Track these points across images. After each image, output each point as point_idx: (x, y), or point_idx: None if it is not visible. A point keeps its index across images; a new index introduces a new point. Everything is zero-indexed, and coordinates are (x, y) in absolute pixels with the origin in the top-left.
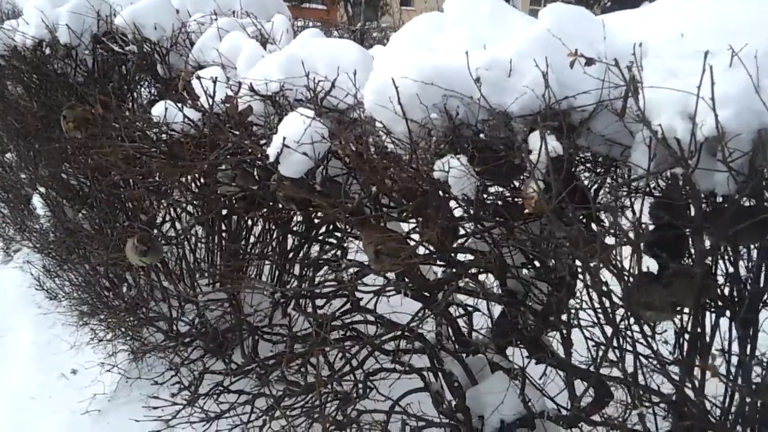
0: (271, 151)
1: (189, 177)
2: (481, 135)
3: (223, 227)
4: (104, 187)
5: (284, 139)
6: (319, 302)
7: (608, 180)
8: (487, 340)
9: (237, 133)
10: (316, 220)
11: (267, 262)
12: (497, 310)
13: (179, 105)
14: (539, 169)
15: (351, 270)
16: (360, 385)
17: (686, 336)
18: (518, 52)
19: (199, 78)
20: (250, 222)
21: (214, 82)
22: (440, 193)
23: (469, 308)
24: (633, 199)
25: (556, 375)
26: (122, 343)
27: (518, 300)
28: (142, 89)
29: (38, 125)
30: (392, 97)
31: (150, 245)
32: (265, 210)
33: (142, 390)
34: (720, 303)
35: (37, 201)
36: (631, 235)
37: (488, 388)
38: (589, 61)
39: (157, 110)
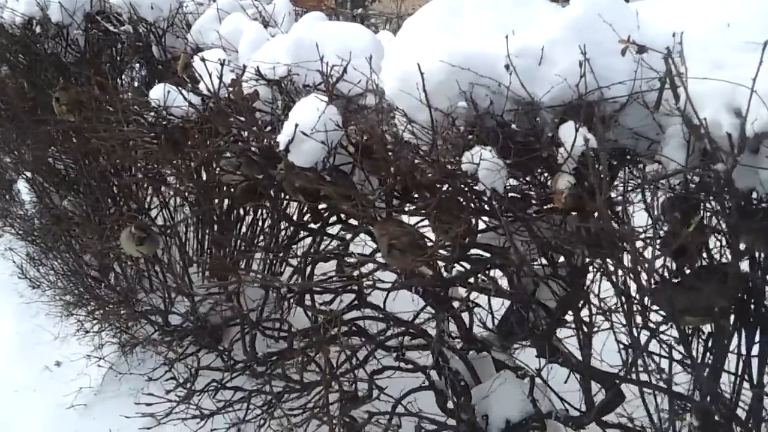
0: (282, 139)
1: (191, 164)
2: (513, 126)
3: (222, 218)
4: (94, 172)
5: (297, 126)
6: (324, 297)
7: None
8: (492, 338)
9: (242, 118)
10: (324, 212)
11: (260, 254)
12: (496, 306)
13: (179, 88)
14: (570, 162)
15: (357, 264)
16: (366, 385)
17: (706, 339)
18: (550, 39)
19: (203, 60)
20: (247, 212)
21: (222, 64)
22: (467, 187)
23: (470, 304)
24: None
25: (558, 373)
26: (111, 336)
27: (531, 297)
28: (133, 71)
29: (25, 107)
30: (417, 84)
31: (148, 233)
32: (267, 200)
33: (131, 384)
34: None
35: (22, 186)
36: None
37: (493, 387)
38: (641, 49)
39: (156, 93)
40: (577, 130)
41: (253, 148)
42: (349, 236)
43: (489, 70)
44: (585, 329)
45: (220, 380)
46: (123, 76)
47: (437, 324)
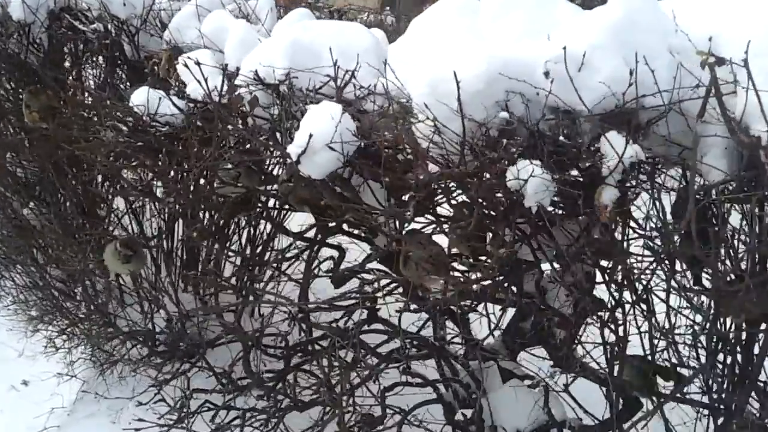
0: (293, 150)
1: (186, 176)
2: (561, 138)
3: (217, 231)
4: (64, 181)
5: (311, 136)
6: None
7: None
8: (498, 346)
9: (242, 126)
10: (330, 224)
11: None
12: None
13: (168, 94)
14: (615, 175)
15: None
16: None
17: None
18: (591, 44)
19: (198, 63)
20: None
21: (224, 69)
22: (510, 204)
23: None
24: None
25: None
26: (84, 353)
27: (546, 305)
28: (91, 70)
29: None
30: (450, 92)
31: (135, 251)
32: (261, 211)
33: (108, 403)
34: None
35: None
36: None
37: (502, 397)
38: (720, 61)
39: (139, 98)
40: (628, 142)
41: (267, 158)
42: (372, 255)
43: (526, 77)
44: (616, 342)
45: (217, 402)
46: (91, 78)
47: (435, 330)
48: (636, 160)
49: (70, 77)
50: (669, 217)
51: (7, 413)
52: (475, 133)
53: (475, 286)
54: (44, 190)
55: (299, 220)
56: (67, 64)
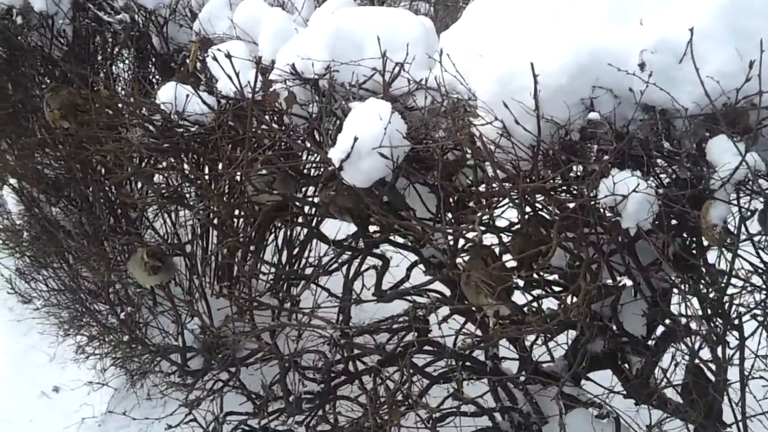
0: (335, 155)
1: (220, 182)
2: (666, 144)
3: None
4: (91, 182)
5: (356, 139)
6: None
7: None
8: (560, 369)
9: (278, 127)
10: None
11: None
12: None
13: (197, 90)
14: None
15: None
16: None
17: None
18: (695, 30)
19: (230, 56)
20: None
21: (258, 62)
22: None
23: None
24: None
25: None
26: (114, 359)
27: (625, 332)
28: (120, 64)
29: (10, 108)
30: (523, 88)
31: (163, 261)
32: (298, 218)
33: (139, 413)
34: None
35: (8, 196)
36: None
37: (565, 426)
38: None
39: (166, 94)
40: (746, 151)
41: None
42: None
43: (615, 70)
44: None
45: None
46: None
47: (486, 349)
48: (756, 170)
49: (94, 72)
50: None
51: (37, 422)
52: (553, 137)
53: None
54: (73, 191)
55: (333, 225)
56: (99, 57)
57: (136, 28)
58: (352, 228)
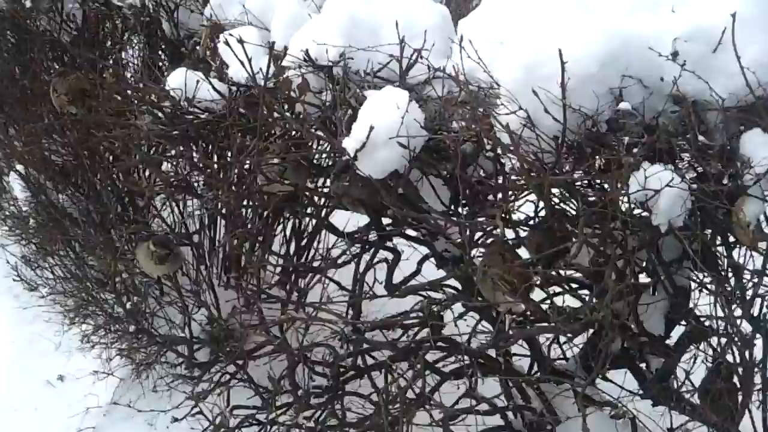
0: (349, 144)
1: (230, 170)
2: (701, 138)
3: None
4: (98, 169)
5: (371, 128)
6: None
7: None
8: (574, 367)
9: (291, 115)
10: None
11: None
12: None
13: (207, 77)
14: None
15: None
16: None
17: None
18: (731, 17)
19: (242, 42)
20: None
21: (271, 47)
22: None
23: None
24: None
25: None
26: (119, 349)
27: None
28: (129, 50)
29: (18, 93)
30: (551, 76)
31: (171, 250)
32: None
33: (145, 404)
34: None
35: (14, 181)
36: None
37: (580, 426)
38: None
39: (176, 81)
40: None
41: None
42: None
43: (647, 58)
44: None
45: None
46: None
47: (497, 344)
48: None
49: (103, 58)
50: None
51: (42, 411)
52: (580, 127)
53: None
54: (80, 178)
55: (342, 216)
56: (108, 43)
57: (146, 12)
58: (362, 219)
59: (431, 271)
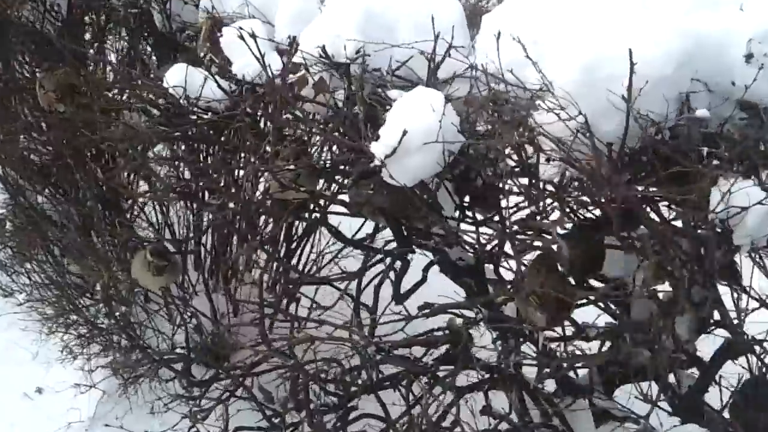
0: (379, 150)
1: (241, 177)
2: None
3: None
4: (84, 172)
5: (405, 133)
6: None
7: None
8: (593, 380)
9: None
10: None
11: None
12: None
13: (213, 74)
14: None
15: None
16: None
17: None
18: None
19: (254, 36)
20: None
21: (291, 42)
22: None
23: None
24: None
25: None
26: (104, 361)
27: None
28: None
29: None
30: (611, 78)
31: (168, 260)
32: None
33: (131, 420)
34: None
35: None
36: None
37: None
38: None
39: (176, 77)
40: None
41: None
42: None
43: (717, 61)
44: None
45: None
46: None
47: (505, 354)
48: None
49: (92, 51)
50: None
51: (19, 426)
52: (646, 135)
53: None
54: (61, 178)
55: (345, 223)
56: (88, 36)
57: (137, 2)
58: (357, 225)
59: (437, 279)
